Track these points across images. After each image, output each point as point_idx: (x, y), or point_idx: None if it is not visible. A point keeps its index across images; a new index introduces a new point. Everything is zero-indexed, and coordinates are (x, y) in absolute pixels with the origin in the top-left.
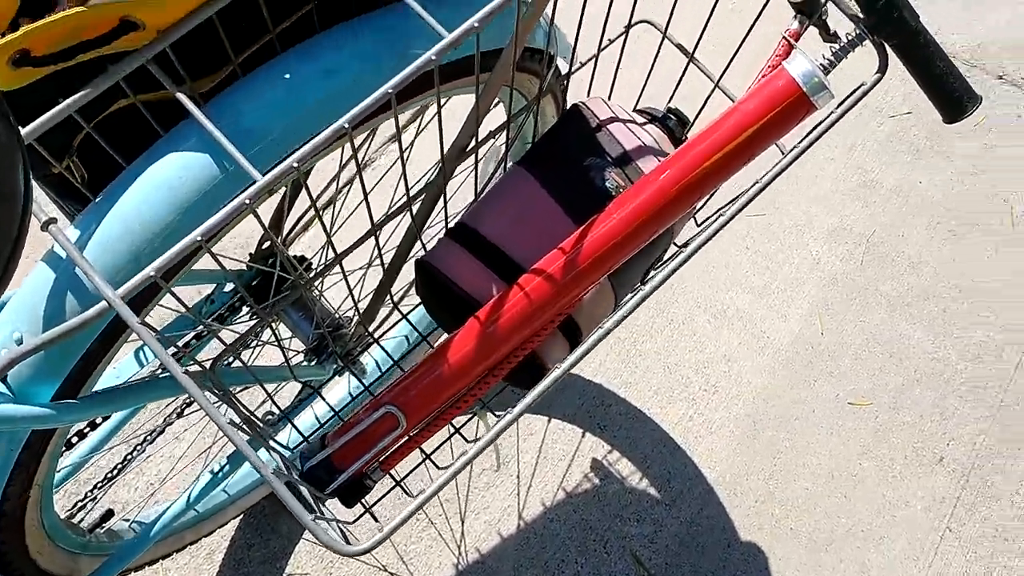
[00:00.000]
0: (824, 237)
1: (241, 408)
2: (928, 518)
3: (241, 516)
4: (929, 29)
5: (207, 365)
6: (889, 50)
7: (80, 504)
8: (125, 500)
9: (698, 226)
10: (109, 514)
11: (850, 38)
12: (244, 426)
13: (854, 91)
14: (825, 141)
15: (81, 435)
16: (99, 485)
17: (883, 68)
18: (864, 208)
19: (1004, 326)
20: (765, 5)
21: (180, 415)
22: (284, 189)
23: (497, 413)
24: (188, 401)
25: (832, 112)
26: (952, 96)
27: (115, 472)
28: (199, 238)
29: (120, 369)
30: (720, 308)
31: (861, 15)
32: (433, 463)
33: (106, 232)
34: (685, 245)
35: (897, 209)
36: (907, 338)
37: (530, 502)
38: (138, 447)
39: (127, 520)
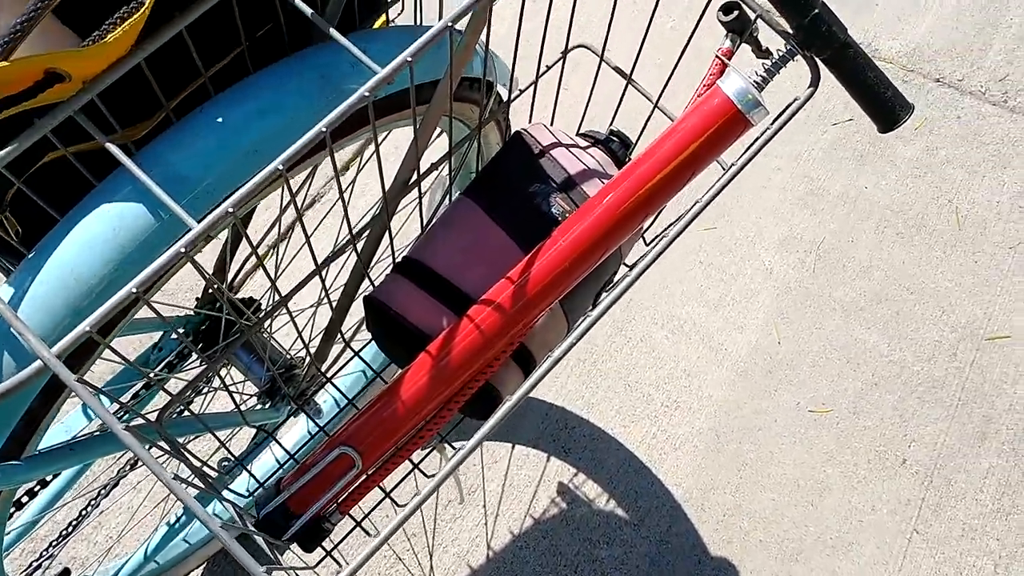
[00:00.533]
0: (775, 247)
1: (191, 460)
2: (895, 521)
3: (205, 565)
4: (865, 35)
5: (155, 415)
6: (821, 64)
7: (36, 563)
8: (84, 556)
9: (647, 245)
10: (66, 573)
11: (781, 54)
12: (196, 478)
13: (788, 106)
14: (771, 151)
15: (32, 493)
16: (55, 543)
17: (815, 82)
18: (813, 216)
19: (956, 325)
20: (696, 27)
21: (134, 467)
22: (226, 233)
23: (456, 445)
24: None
25: (769, 127)
26: (885, 106)
27: (70, 528)
28: (135, 290)
29: (68, 423)
30: (677, 323)
31: (791, 31)
32: (393, 501)
33: (41, 288)
34: (636, 265)
35: (845, 215)
36: (863, 342)
37: (498, 531)
38: (92, 501)
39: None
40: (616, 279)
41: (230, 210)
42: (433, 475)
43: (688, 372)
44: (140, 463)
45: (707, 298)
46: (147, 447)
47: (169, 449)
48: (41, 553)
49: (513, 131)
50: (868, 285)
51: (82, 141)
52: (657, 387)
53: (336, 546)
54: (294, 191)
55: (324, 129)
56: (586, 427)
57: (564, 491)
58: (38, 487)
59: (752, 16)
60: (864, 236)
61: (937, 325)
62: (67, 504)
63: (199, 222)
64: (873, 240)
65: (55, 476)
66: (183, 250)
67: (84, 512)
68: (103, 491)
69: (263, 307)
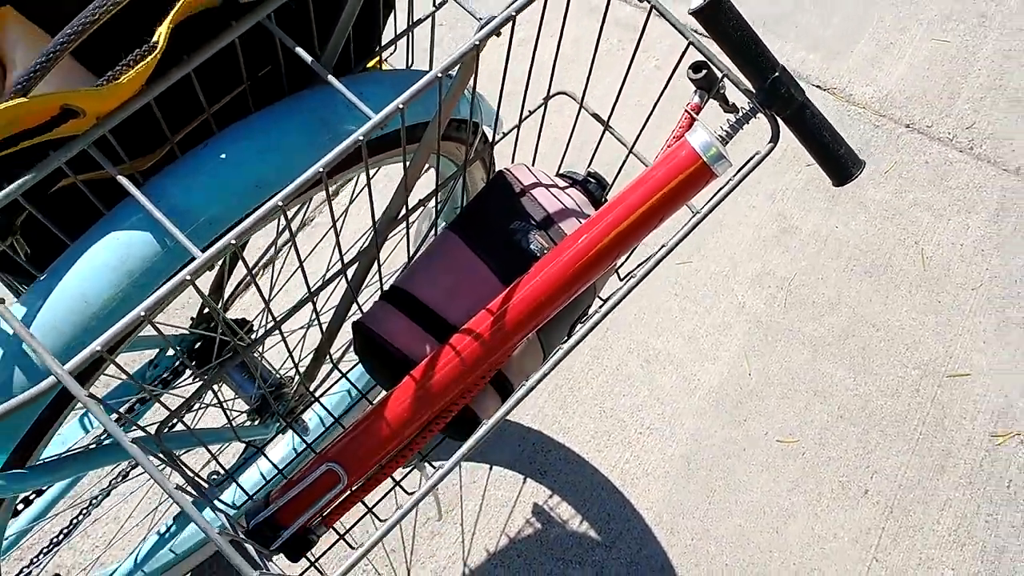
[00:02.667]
0: (748, 282)
1: (186, 471)
2: (856, 549)
3: (190, 574)
4: (840, 81)
5: (152, 430)
6: (781, 122)
7: (26, 571)
8: (71, 564)
9: (620, 280)
10: None
11: (745, 111)
12: (189, 488)
13: (750, 159)
14: (747, 190)
15: (27, 502)
16: (44, 551)
17: (775, 138)
18: (785, 253)
19: (919, 362)
20: (668, 81)
21: (124, 478)
22: (223, 259)
23: (435, 464)
24: (133, 464)
25: (732, 178)
26: (839, 162)
27: (61, 536)
28: (143, 313)
29: (65, 435)
30: (652, 353)
31: (753, 91)
32: (375, 516)
33: (52, 309)
34: (609, 298)
35: (816, 253)
36: (829, 376)
37: (475, 549)
38: (83, 511)
39: None
40: (590, 312)
41: (232, 242)
42: (414, 492)
43: (661, 400)
44: (130, 475)
45: (681, 330)
46: (148, 458)
47: (166, 460)
48: (31, 560)
49: (497, 170)
50: (836, 321)
51: (92, 170)
52: (631, 414)
53: (320, 557)
54: (289, 219)
55: (321, 169)
56: (562, 451)
57: (539, 512)
58: (33, 495)
59: (719, 75)
60: (833, 274)
61: (901, 361)
62: (58, 514)
63: (203, 251)
64: (842, 278)
65: (50, 486)
66: (188, 278)
67: (75, 521)
68: (93, 501)
69: (254, 328)
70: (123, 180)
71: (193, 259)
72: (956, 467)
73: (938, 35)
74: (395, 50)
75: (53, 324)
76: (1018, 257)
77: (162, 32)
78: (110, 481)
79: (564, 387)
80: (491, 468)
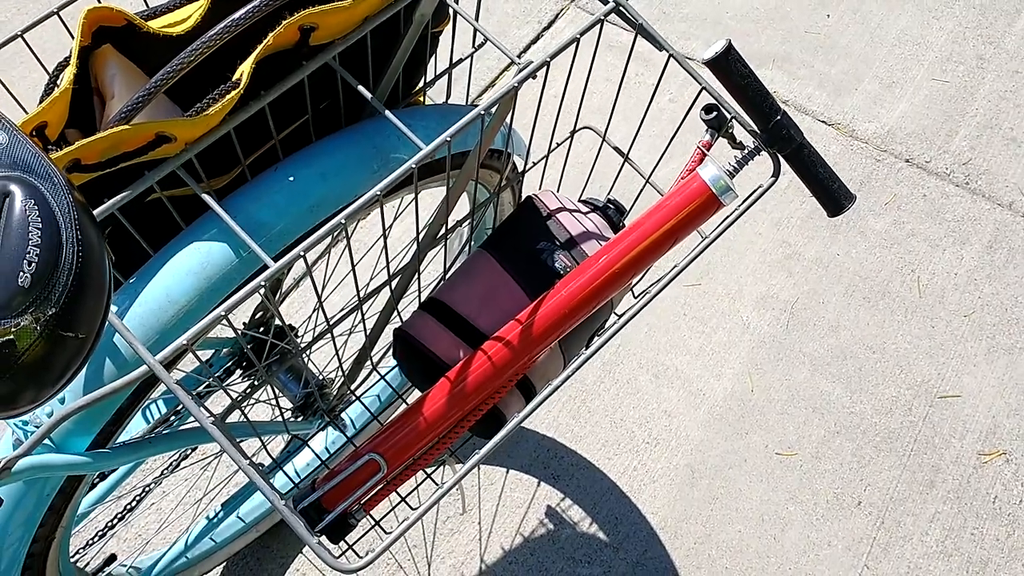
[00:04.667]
0: (753, 304)
1: (242, 457)
2: (848, 557)
3: (224, 564)
4: (844, 116)
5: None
6: (782, 159)
7: (82, 551)
8: (118, 550)
9: (635, 298)
10: (112, 558)
11: (750, 149)
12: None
13: (754, 191)
14: (754, 218)
15: (101, 477)
16: (102, 532)
17: (776, 173)
18: (789, 278)
19: (912, 383)
20: (682, 122)
21: (177, 466)
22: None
23: (463, 460)
24: (186, 454)
25: (737, 208)
26: (833, 196)
27: (115, 520)
28: (223, 313)
29: (132, 423)
30: (661, 368)
31: (758, 131)
32: (407, 504)
33: (140, 308)
34: (624, 314)
35: (818, 279)
36: (827, 394)
37: (491, 546)
38: (138, 496)
39: (124, 566)
40: (607, 325)
41: (302, 253)
42: (444, 483)
43: (668, 413)
44: (182, 464)
45: (689, 347)
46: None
47: (232, 444)
48: (88, 541)
49: (525, 195)
50: (835, 343)
51: (176, 187)
52: (640, 425)
53: (357, 540)
54: (349, 235)
55: (379, 193)
56: (574, 457)
57: (552, 514)
58: (97, 479)
59: (728, 116)
60: (834, 298)
61: (895, 382)
62: (119, 496)
63: (274, 260)
64: (842, 302)
65: (111, 471)
66: (263, 284)
67: (129, 506)
68: (148, 487)
69: (299, 333)
70: (206, 197)
71: (265, 267)
72: (945, 482)
73: (938, 75)
74: (435, 82)
75: (142, 320)
76: (1009, 287)
77: (244, 71)
78: (162, 469)
79: (577, 398)
80: (508, 471)
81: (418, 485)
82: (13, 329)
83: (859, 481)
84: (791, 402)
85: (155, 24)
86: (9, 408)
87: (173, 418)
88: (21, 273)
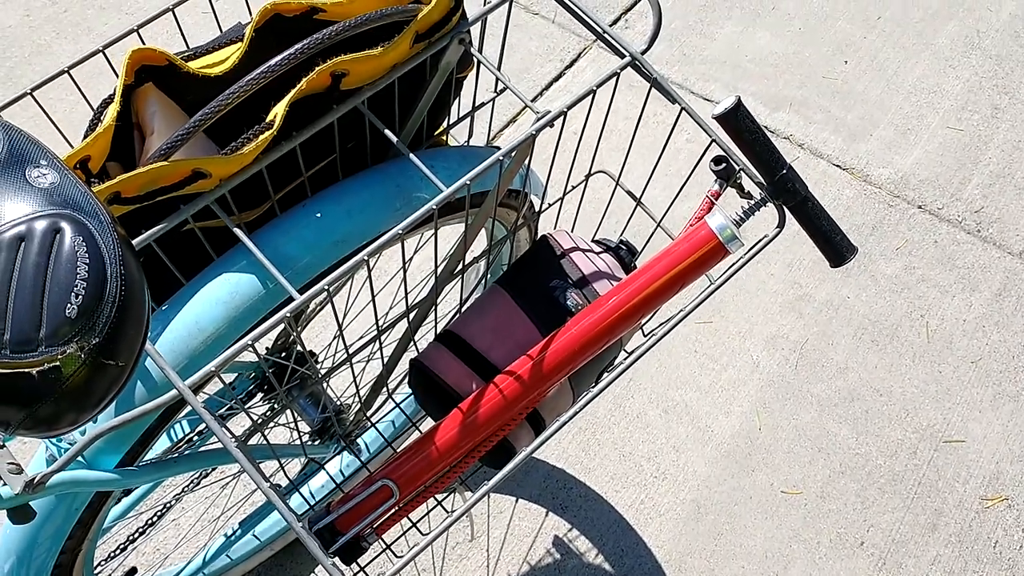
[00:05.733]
0: (763, 343)
1: (262, 478)
2: None
3: None
4: (859, 162)
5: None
6: (787, 211)
7: (103, 563)
8: (135, 564)
9: (644, 336)
10: (133, 572)
11: (756, 200)
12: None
13: (759, 240)
14: (767, 259)
15: (116, 500)
16: (124, 546)
17: (781, 224)
18: (799, 319)
19: (918, 427)
20: (692, 172)
21: (197, 485)
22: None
23: (473, 489)
24: (205, 474)
25: (744, 255)
26: (835, 247)
27: (136, 535)
28: (250, 342)
29: (157, 443)
30: (670, 404)
31: (765, 183)
32: (418, 530)
33: (171, 334)
34: (634, 352)
35: (828, 321)
36: (834, 435)
37: (498, 574)
38: (159, 512)
39: None
40: (617, 362)
41: (327, 287)
42: (454, 511)
43: (676, 448)
44: (202, 482)
45: (699, 384)
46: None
47: (252, 465)
48: (109, 554)
49: (540, 234)
50: (843, 384)
51: (208, 220)
52: (648, 459)
53: (369, 563)
54: (370, 269)
55: (400, 232)
56: (582, 488)
57: (559, 543)
58: (122, 494)
59: (736, 168)
60: (843, 341)
61: (901, 425)
62: (140, 513)
63: (300, 293)
64: (851, 345)
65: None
66: (288, 315)
67: (152, 520)
68: (169, 504)
69: (319, 359)
70: (237, 231)
71: (291, 299)
72: (947, 526)
73: (953, 124)
74: (458, 121)
75: (172, 346)
76: (1017, 335)
77: (278, 113)
78: (184, 487)
79: (588, 431)
80: (517, 500)
81: (429, 511)
82: (60, 356)
83: (862, 522)
84: (798, 441)
85: (194, 64)
86: (51, 429)
87: (195, 438)
88: (69, 305)
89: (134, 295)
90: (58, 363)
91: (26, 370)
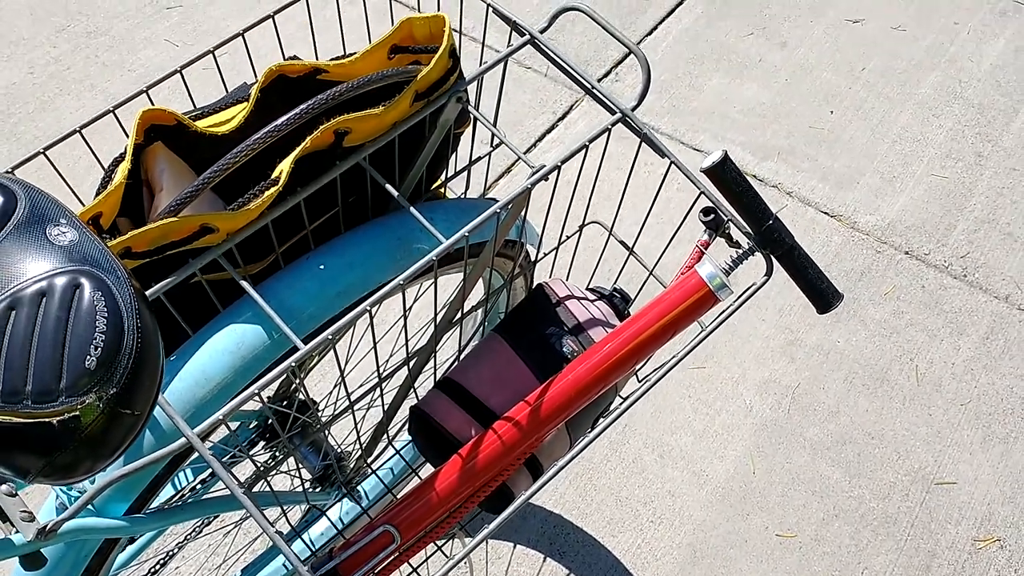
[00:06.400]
0: (756, 388)
1: (269, 524)
2: None
3: None
4: (846, 209)
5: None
6: (774, 259)
7: None
8: None
9: (639, 382)
10: None
11: (744, 249)
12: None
13: (748, 288)
14: (759, 305)
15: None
16: None
17: (769, 272)
18: (791, 363)
19: (910, 469)
20: (682, 222)
21: (198, 534)
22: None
23: (472, 534)
24: (206, 522)
25: (733, 302)
26: (822, 294)
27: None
28: (256, 391)
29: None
30: (666, 448)
31: (752, 233)
32: (418, 574)
33: (179, 383)
34: (628, 397)
35: (819, 365)
36: (827, 478)
37: None
38: (162, 560)
39: None
40: (611, 407)
41: (330, 336)
42: (453, 556)
43: (672, 492)
44: (203, 531)
45: (693, 428)
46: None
47: (255, 510)
48: None
49: (536, 283)
50: (835, 428)
51: (214, 273)
52: (644, 503)
53: None
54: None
55: (401, 283)
56: (579, 534)
57: None
58: (127, 542)
59: (725, 219)
60: (834, 385)
61: (893, 467)
62: (143, 561)
63: (304, 343)
64: (842, 389)
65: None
66: (293, 364)
67: (154, 568)
68: (176, 549)
69: (321, 408)
70: (243, 283)
71: (296, 348)
72: (940, 567)
73: (938, 171)
74: (455, 174)
75: (180, 395)
76: (1005, 377)
77: (284, 170)
78: (186, 536)
79: (584, 476)
80: (515, 546)
81: (428, 557)
82: (79, 406)
83: (857, 564)
84: (792, 485)
85: (202, 124)
86: (68, 476)
87: (199, 486)
88: (88, 357)
89: (150, 346)
90: (77, 412)
91: (46, 420)
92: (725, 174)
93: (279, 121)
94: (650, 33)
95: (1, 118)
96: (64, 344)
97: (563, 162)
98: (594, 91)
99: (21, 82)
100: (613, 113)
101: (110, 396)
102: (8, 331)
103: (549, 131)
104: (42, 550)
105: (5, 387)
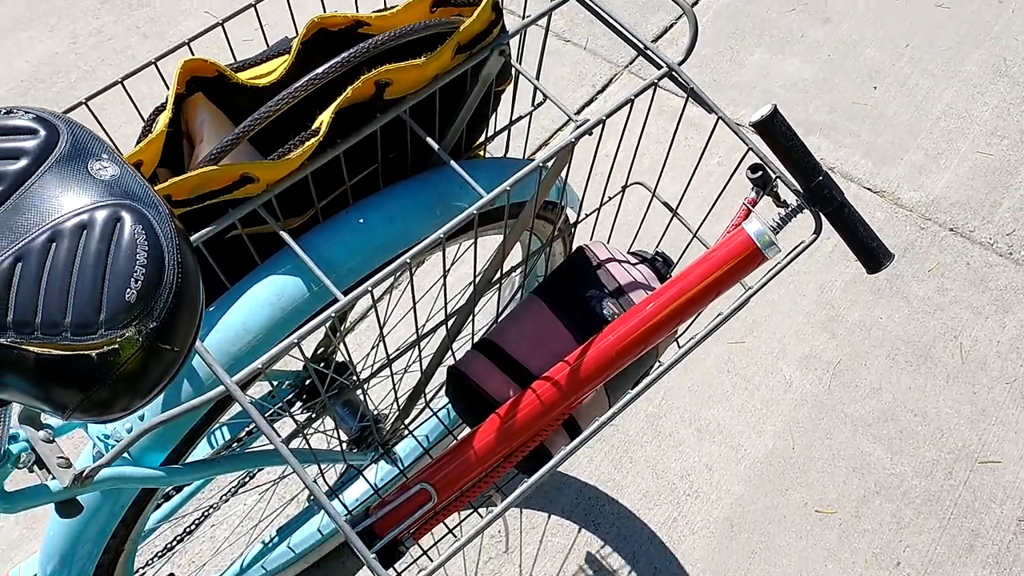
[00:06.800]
0: (796, 364)
1: (307, 476)
2: None
3: None
4: (890, 185)
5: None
6: (823, 218)
7: (142, 570)
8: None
9: (679, 347)
10: None
11: (793, 207)
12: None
13: (796, 246)
14: (799, 280)
15: (166, 498)
16: (161, 553)
17: (818, 230)
18: (832, 339)
19: (953, 447)
20: (731, 177)
21: (235, 493)
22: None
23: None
24: (247, 479)
25: (780, 261)
26: (872, 254)
27: (175, 542)
28: (296, 340)
29: (195, 451)
30: (703, 423)
31: (801, 191)
32: (454, 535)
33: (219, 333)
34: (670, 360)
35: (860, 341)
36: (868, 455)
37: None
38: (200, 518)
39: None
40: (651, 371)
41: (370, 288)
42: (489, 515)
43: (709, 467)
44: (239, 491)
45: (732, 403)
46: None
47: (298, 464)
48: (147, 561)
49: (576, 246)
50: (876, 405)
51: (254, 225)
52: (681, 477)
53: (407, 568)
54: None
55: (442, 236)
56: (615, 506)
57: (592, 560)
58: (163, 499)
59: (773, 176)
60: (876, 361)
61: (936, 446)
62: (183, 516)
63: (344, 295)
64: (884, 365)
65: (176, 492)
66: (333, 315)
67: (193, 526)
68: (210, 509)
69: (358, 368)
70: (284, 235)
71: (335, 300)
72: (984, 547)
73: (983, 148)
74: (495, 137)
75: (219, 346)
76: None
77: (324, 120)
78: (228, 489)
79: (620, 448)
80: (549, 516)
81: (463, 519)
82: (118, 339)
83: (898, 542)
84: (832, 461)
85: (243, 76)
86: (105, 413)
87: (235, 445)
88: (128, 290)
89: (190, 283)
90: (116, 346)
91: (86, 352)
92: (774, 128)
93: (320, 70)
94: (692, 7)
95: (44, 87)
96: (104, 277)
97: (608, 116)
98: (643, 47)
99: (64, 52)
100: (660, 68)
101: (149, 330)
102: (48, 263)
103: (588, 103)
104: (78, 498)
105: (44, 318)
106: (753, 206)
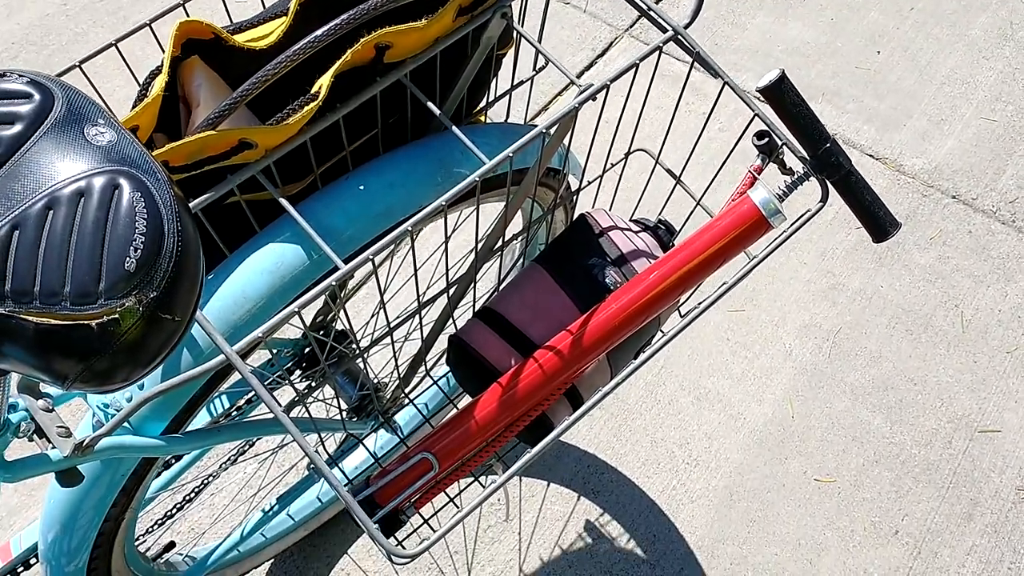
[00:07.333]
0: (796, 332)
1: (308, 445)
2: None
3: (272, 561)
4: (892, 152)
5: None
6: (830, 185)
7: (143, 536)
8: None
9: (681, 317)
10: (171, 545)
11: (799, 175)
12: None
13: (803, 215)
14: (799, 248)
15: (166, 466)
16: (161, 521)
17: (824, 198)
18: (832, 307)
19: (953, 416)
20: (736, 144)
21: (237, 457)
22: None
23: (510, 467)
24: (245, 448)
25: (785, 230)
26: (879, 222)
27: (175, 510)
28: (296, 309)
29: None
30: (703, 391)
31: (808, 158)
32: (455, 504)
33: (218, 302)
34: (672, 330)
35: (861, 310)
36: (867, 424)
37: (530, 557)
38: (199, 487)
39: (180, 554)
40: (654, 341)
41: (371, 257)
42: (490, 484)
43: (708, 435)
44: (238, 459)
45: (731, 372)
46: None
47: (298, 432)
48: (148, 529)
49: (578, 213)
50: (876, 373)
51: (253, 192)
52: (680, 445)
53: (406, 537)
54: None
55: (444, 203)
56: (614, 474)
57: (591, 528)
58: (163, 468)
59: (779, 143)
60: (876, 330)
61: (936, 414)
62: (182, 485)
63: (345, 263)
64: (884, 334)
65: (175, 461)
66: (334, 283)
67: (191, 495)
68: (209, 478)
69: (358, 337)
70: (283, 201)
71: (335, 269)
72: (983, 516)
73: (987, 114)
74: (494, 104)
75: (218, 314)
76: None
77: (323, 84)
78: (227, 458)
79: (619, 416)
80: (549, 485)
81: (463, 489)
82: (118, 309)
83: (897, 510)
84: (831, 430)
85: (240, 38)
86: (106, 383)
87: (235, 413)
88: (128, 258)
89: (190, 251)
90: (117, 315)
91: (85, 322)
92: (782, 93)
93: (319, 32)
94: None
95: (35, 50)
96: (103, 245)
97: (612, 80)
98: (648, 10)
99: (55, 14)
100: (665, 32)
101: (150, 300)
102: (46, 231)
103: (588, 67)
104: (79, 467)
105: (43, 287)
106: (758, 173)
